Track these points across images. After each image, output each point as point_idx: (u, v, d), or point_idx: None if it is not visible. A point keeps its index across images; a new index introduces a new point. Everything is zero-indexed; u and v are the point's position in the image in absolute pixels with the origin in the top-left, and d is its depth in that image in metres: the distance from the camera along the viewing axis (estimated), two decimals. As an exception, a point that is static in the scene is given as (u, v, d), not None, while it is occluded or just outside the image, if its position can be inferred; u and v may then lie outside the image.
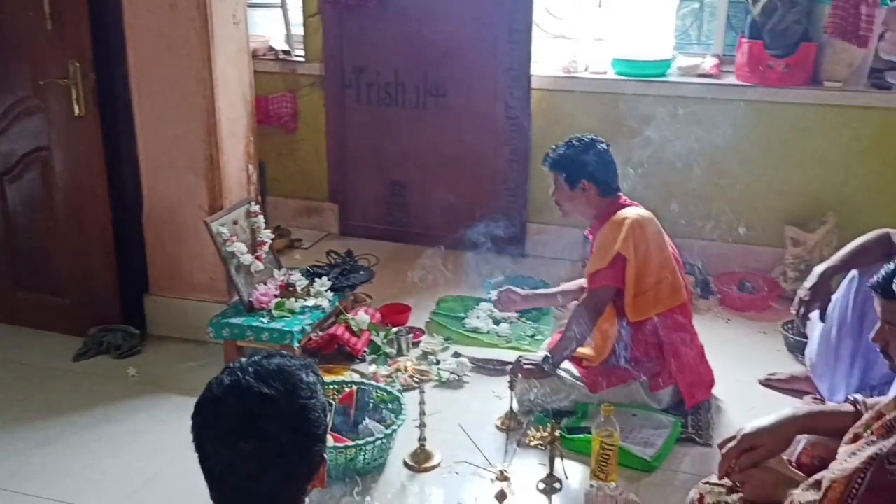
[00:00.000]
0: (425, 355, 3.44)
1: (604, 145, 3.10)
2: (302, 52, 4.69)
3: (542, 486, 2.67)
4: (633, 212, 3.01)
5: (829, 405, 1.80)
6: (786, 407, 1.74)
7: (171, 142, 3.37)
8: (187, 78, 3.28)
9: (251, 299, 3.37)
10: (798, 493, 1.43)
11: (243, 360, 1.39)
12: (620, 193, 3.12)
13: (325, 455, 1.39)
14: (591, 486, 2.56)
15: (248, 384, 1.32)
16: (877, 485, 1.28)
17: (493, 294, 3.67)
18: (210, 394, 1.35)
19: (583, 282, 3.40)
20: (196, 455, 1.37)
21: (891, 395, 1.66)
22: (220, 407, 1.32)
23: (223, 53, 3.32)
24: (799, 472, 1.67)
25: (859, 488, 1.30)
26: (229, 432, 1.30)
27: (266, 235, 3.54)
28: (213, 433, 1.31)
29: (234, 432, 1.29)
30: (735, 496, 1.70)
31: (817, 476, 1.41)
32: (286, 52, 4.72)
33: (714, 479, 1.77)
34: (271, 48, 4.75)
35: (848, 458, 1.35)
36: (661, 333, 2.99)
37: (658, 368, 3.01)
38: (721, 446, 1.76)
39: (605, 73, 4.26)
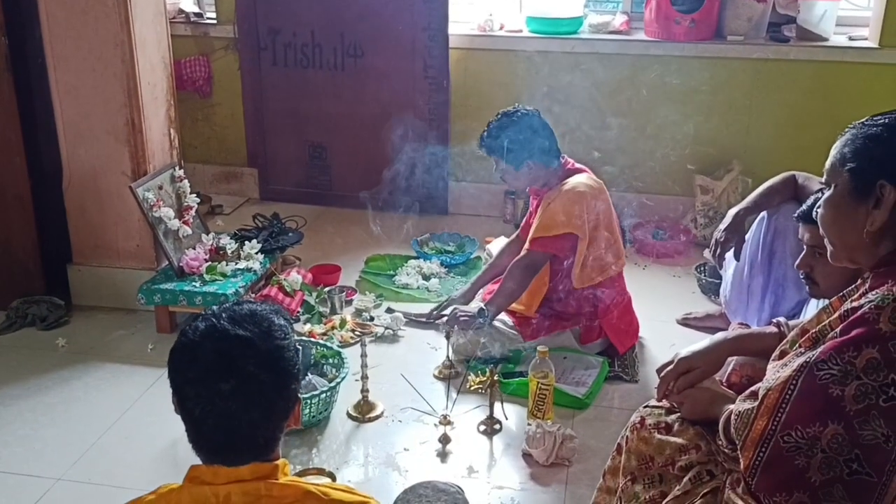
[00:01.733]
0: (359, 312, 3.50)
1: (537, 117, 3.02)
2: (214, 14, 4.62)
3: (483, 427, 2.78)
4: (584, 183, 3.01)
5: (755, 328, 1.94)
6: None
7: (91, 108, 3.31)
8: (105, 41, 3.21)
9: (181, 264, 3.37)
10: (737, 405, 1.56)
11: (214, 307, 1.42)
12: (563, 156, 3.11)
13: (299, 395, 1.43)
14: (530, 424, 2.67)
15: (224, 328, 1.36)
16: (806, 389, 1.42)
17: (444, 322, 3.31)
18: (186, 339, 1.38)
19: (507, 242, 3.45)
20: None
21: (809, 315, 1.82)
22: (197, 350, 1.35)
23: (140, 15, 3.27)
24: (730, 391, 1.82)
25: (792, 394, 1.44)
26: (208, 374, 1.33)
27: (192, 200, 3.53)
28: (193, 375, 1.34)
29: (213, 374, 1.33)
30: (674, 416, 1.82)
31: (753, 388, 1.55)
32: (197, 15, 4.63)
33: (653, 402, 1.89)
34: (181, 10, 4.66)
35: (780, 370, 1.49)
36: (598, 298, 3.10)
37: (591, 326, 3.13)
38: (659, 371, 1.89)
39: (520, 31, 4.35)
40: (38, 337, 3.34)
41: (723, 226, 2.87)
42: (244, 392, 1.33)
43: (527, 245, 3.07)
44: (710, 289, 3.61)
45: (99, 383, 3.04)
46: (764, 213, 2.85)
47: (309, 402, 2.68)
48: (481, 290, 3.43)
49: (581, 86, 4.15)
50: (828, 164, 1.56)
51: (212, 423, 1.34)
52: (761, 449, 1.46)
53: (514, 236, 3.44)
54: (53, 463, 2.61)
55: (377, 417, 2.82)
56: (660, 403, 1.87)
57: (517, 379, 2.92)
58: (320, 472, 2.53)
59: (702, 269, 3.76)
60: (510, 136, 2.98)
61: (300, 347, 1.45)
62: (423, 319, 3.42)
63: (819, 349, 1.44)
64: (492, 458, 2.64)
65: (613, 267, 3.08)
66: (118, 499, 1.96)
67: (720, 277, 3.14)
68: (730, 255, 2.91)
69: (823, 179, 1.57)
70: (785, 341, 1.61)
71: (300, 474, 2.51)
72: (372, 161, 4.37)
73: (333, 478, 2.51)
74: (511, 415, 2.81)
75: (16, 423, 2.82)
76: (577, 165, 3.12)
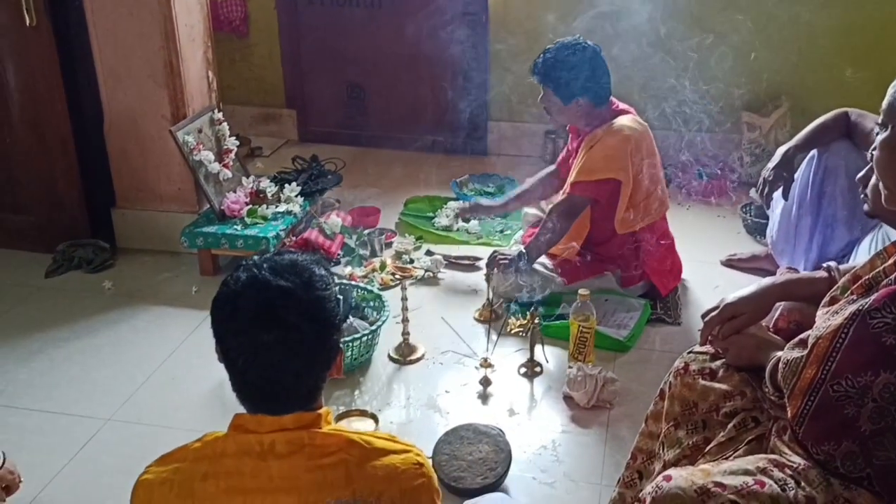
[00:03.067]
0: (399, 255, 3.50)
1: (598, 53, 2.92)
2: (249, -47, 4.56)
3: (523, 370, 2.78)
4: (629, 125, 2.95)
5: (805, 273, 1.89)
6: (748, 284, 1.81)
7: (129, 50, 3.30)
8: (141, -17, 3.18)
9: (222, 207, 3.39)
10: (785, 352, 1.53)
11: (255, 257, 1.41)
12: (612, 98, 3.05)
13: (340, 345, 1.43)
14: (571, 367, 2.66)
15: (265, 278, 1.35)
16: (858, 338, 1.39)
17: (458, 205, 3.65)
18: (228, 289, 1.38)
19: (545, 173, 3.42)
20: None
21: (860, 259, 1.77)
22: (239, 301, 1.35)
23: (175, -44, 3.23)
24: (777, 337, 1.78)
25: (843, 342, 1.40)
26: (251, 324, 1.33)
27: (232, 143, 3.53)
28: (236, 326, 1.34)
29: (255, 324, 1.33)
30: (718, 362, 1.79)
31: (802, 336, 1.51)
32: (233, -47, 4.57)
33: (697, 348, 1.86)
34: (217, -51, 4.60)
35: (830, 318, 1.45)
36: (641, 241, 3.06)
37: (633, 269, 3.10)
38: (704, 316, 1.85)
39: (561, -36, 4.22)
40: (85, 280, 3.39)
41: (771, 164, 2.80)
42: (286, 342, 1.33)
43: (567, 188, 3.03)
44: (756, 229, 3.55)
45: (146, 325, 3.09)
46: (814, 152, 2.77)
47: (350, 344, 2.70)
48: (520, 232, 3.44)
49: (623, 22, 4.03)
50: (885, 103, 1.49)
51: (255, 373, 1.35)
52: (810, 397, 1.43)
53: (551, 168, 3.40)
54: (103, 403, 2.67)
55: (418, 360, 2.84)
56: (704, 349, 1.83)
57: (558, 322, 2.92)
58: (363, 413, 2.56)
59: (747, 209, 3.70)
60: (567, 68, 2.87)
61: (341, 297, 1.44)
62: (465, 262, 3.42)
63: (872, 296, 1.40)
64: (532, 401, 2.66)
65: (656, 212, 3.04)
66: (167, 439, 2.03)
67: (766, 217, 3.08)
68: (777, 194, 2.84)
69: (879, 120, 1.51)
70: (836, 287, 1.56)
71: (343, 416, 2.54)
72: (410, 101, 4.33)
73: (376, 420, 2.54)
74: (552, 357, 2.81)
75: (65, 364, 2.88)
76: (623, 106, 3.05)
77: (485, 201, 3.56)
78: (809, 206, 2.79)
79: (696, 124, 4.05)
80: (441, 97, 4.30)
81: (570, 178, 3.00)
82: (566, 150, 3.28)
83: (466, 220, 3.62)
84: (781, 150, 2.80)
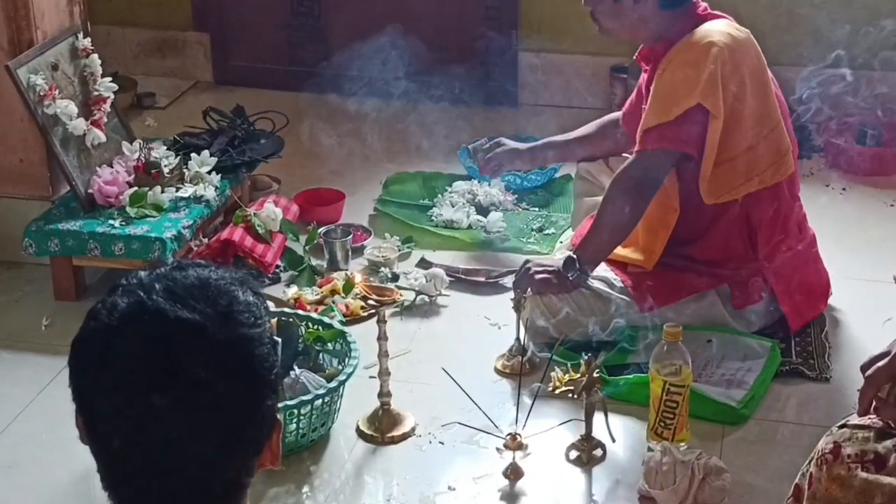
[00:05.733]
0: (375, 267, 3.50)
1: None
2: None
3: (574, 454, 2.77)
4: (719, 31, 2.99)
5: None
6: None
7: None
8: None
9: (91, 191, 3.38)
10: None
11: (142, 273, 1.40)
12: None
13: (277, 415, 1.42)
14: (651, 449, 2.65)
15: (159, 307, 1.34)
16: None
17: (473, 156, 3.71)
18: (99, 324, 1.36)
19: (609, 119, 3.47)
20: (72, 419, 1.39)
21: None
22: (116, 342, 1.34)
23: None
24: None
25: None
26: (135, 380, 1.32)
27: (106, 87, 3.53)
28: (110, 382, 1.33)
29: (141, 380, 1.32)
30: (888, 443, 1.79)
31: None
32: None
33: (855, 419, 1.86)
34: None
35: None
36: (753, 222, 3.07)
37: (746, 274, 3.10)
38: (864, 368, 1.86)
39: None
40: None
41: None
42: (190, 410, 1.33)
43: (636, 146, 3.07)
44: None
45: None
46: None
47: (296, 413, 2.69)
48: (568, 232, 3.46)
49: None
50: None
51: (139, 459, 1.34)
52: None
53: (617, 114, 3.46)
54: None
55: (405, 437, 2.84)
56: (865, 421, 1.85)
57: (630, 376, 2.92)
58: (315, 524, 2.54)
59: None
60: None
61: (278, 339, 1.44)
62: (481, 279, 3.43)
63: None
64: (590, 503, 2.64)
65: (773, 169, 3.06)
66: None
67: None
68: None
69: None
70: None
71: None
72: (391, 17, 4.29)
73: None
74: (620, 434, 2.81)
75: None
76: (714, 11, 3.11)
77: (509, 142, 3.61)
78: None
79: (855, 58, 4.05)
80: (438, 11, 4.28)
81: (640, 127, 3.05)
82: (636, 92, 3.33)
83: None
84: None
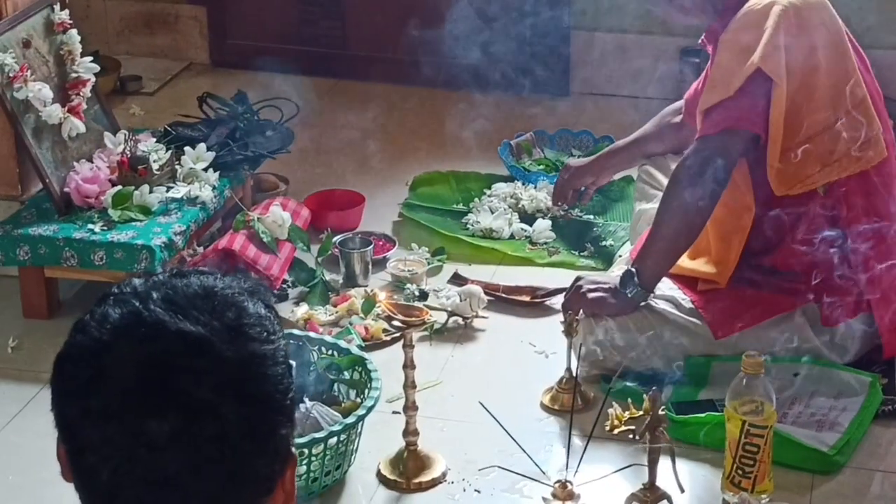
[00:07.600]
0: (399, 282, 3.44)
1: None
2: None
3: (636, 506, 2.82)
4: None
5: None
6: None
7: None
8: None
9: (67, 189, 3.35)
10: None
11: (136, 280, 1.36)
12: None
13: (292, 447, 1.38)
14: (727, 501, 2.63)
15: (157, 318, 1.30)
16: None
17: (543, 187, 3.66)
18: (87, 339, 1.32)
19: (672, 109, 3.43)
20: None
21: None
22: (107, 360, 1.30)
23: None
24: None
25: None
26: (128, 405, 1.28)
27: (87, 68, 3.48)
28: (99, 407, 1.29)
29: (136, 404, 1.28)
30: None
31: None
32: None
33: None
34: None
35: None
36: (840, 220, 2.99)
37: (837, 285, 3.00)
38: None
39: None
40: None
41: None
42: (192, 439, 1.28)
43: (698, 133, 3.03)
44: None
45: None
46: None
47: (308, 453, 2.63)
48: (626, 246, 3.38)
49: None
50: None
51: (130, 496, 1.30)
52: None
53: (678, 103, 3.42)
54: None
55: (434, 483, 2.77)
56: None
57: (702, 415, 2.85)
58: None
59: None
60: None
61: (292, 362, 1.39)
62: (525, 298, 3.35)
63: None
64: (654, 566, 2.67)
65: (858, 154, 2.97)
66: None
67: None
68: None
69: None
70: None
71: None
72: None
73: None
74: (690, 482, 2.72)
75: None
76: None
77: (575, 161, 3.62)
78: None
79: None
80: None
81: (700, 108, 3.02)
82: (702, 77, 3.28)
83: (562, 213, 3.66)
84: None
